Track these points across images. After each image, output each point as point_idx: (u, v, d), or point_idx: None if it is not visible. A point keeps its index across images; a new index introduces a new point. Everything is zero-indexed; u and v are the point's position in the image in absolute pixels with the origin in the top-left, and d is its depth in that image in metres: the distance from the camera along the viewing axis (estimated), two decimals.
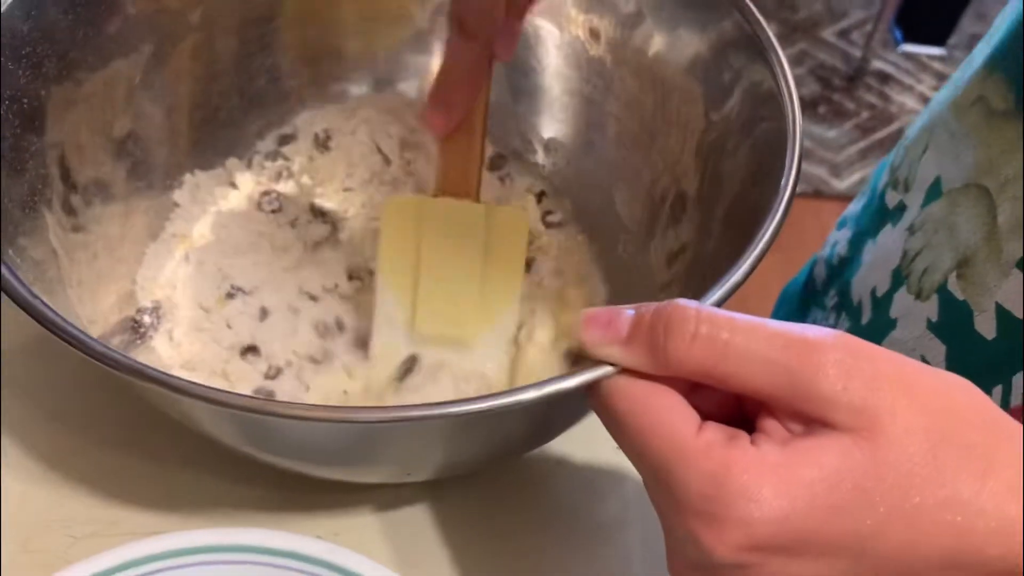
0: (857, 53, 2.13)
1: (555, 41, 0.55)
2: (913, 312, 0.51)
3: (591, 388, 0.33)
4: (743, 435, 0.30)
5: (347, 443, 0.39)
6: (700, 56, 0.49)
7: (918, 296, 0.50)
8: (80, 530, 0.45)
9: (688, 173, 0.50)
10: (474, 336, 0.46)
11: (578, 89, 0.55)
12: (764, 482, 0.28)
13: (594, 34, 0.54)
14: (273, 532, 0.40)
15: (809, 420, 0.29)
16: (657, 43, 0.51)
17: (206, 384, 0.33)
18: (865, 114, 2.03)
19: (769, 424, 0.30)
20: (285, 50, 0.55)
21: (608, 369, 0.32)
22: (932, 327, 0.49)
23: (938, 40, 2.18)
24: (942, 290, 0.49)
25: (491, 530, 0.47)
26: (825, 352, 0.29)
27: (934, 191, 0.51)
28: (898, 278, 0.52)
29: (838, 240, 0.63)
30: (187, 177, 0.54)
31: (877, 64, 2.14)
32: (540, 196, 0.57)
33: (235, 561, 0.40)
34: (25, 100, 0.44)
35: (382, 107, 0.57)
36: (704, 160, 0.49)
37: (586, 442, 0.49)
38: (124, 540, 0.40)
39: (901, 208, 0.54)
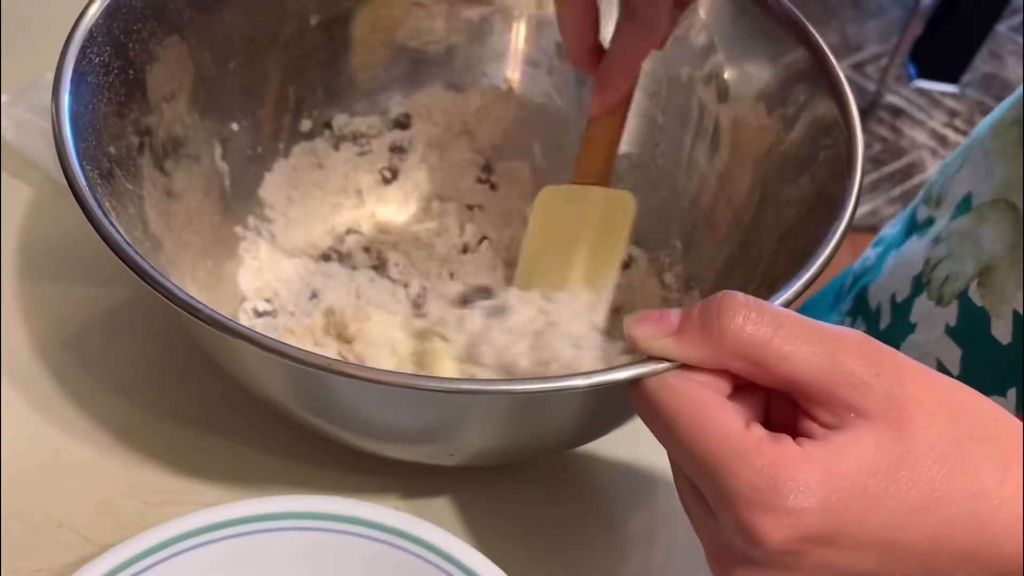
0: (871, 87, 2.16)
1: None
2: (932, 317, 0.53)
3: (635, 385, 0.35)
4: (785, 435, 0.32)
5: (404, 409, 0.40)
6: (768, 87, 0.51)
7: (938, 302, 0.53)
8: (154, 498, 0.47)
9: (747, 199, 0.52)
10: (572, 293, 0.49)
11: (647, 113, 0.57)
12: (812, 475, 0.30)
13: (665, 63, 0.56)
14: (350, 500, 0.42)
15: (844, 409, 0.32)
16: (726, 74, 0.54)
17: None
18: (877, 147, 2.06)
19: (806, 425, 0.33)
20: (369, 50, 0.57)
21: (658, 365, 0.34)
22: (950, 331, 0.52)
23: (952, 77, 2.21)
24: (962, 297, 0.51)
25: (528, 523, 0.49)
26: (855, 343, 0.32)
27: (964, 206, 0.54)
28: (919, 285, 0.55)
29: (869, 255, 0.65)
30: (277, 161, 0.57)
31: (890, 98, 2.17)
32: None
33: (310, 528, 0.42)
34: (131, 71, 0.46)
35: (449, 108, 0.60)
36: (763, 187, 0.51)
37: (630, 442, 0.51)
38: (196, 509, 0.42)
39: (929, 222, 0.57)
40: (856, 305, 0.63)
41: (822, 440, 0.31)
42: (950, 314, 0.52)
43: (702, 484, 0.33)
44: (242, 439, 0.49)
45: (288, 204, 0.57)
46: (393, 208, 0.60)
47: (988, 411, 0.33)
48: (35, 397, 0.49)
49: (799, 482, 0.30)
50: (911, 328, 0.55)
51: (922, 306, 0.54)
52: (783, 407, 0.34)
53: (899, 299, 0.57)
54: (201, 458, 0.48)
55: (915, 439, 0.31)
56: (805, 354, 0.32)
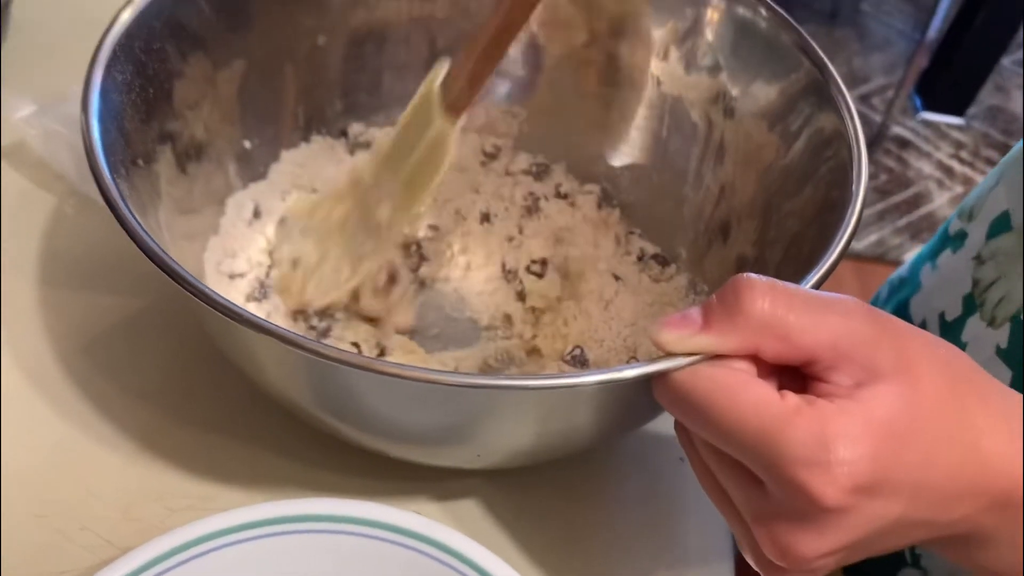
0: (877, 118, 2.18)
1: (633, 83, 0.59)
2: (983, 338, 0.54)
3: (660, 380, 0.36)
4: (813, 396, 0.34)
5: (426, 405, 0.41)
6: (772, 104, 0.53)
7: (991, 323, 0.54)
8: (176, 502, 0.47)
9: (750, 211, 0.54)
10: None
11: (650, 126, 0.59)
12: (854, 426, 0.32)
13: (669, 80, 0.58)
14: (371, 503, 0.42)
15: (860, 370, 0.34)
16: (732, 91, 0.55)
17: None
18: (883, 177, 2.08)
19: (823, 387, 0.34)
20: (384, 68, 0.59)
21: (688, 358, 0.35)
22: (1000, 353, 0.52)
23: (957, 110, 2.24)
24: (1015, 319, 0.52)
25: (557, 525, 0.49)
26: (859, 308, 0.35)
27: (1002, 223, 0.54)
28: (970, 305, 0.55)
29: (904, 267, 0.66)
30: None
31: (896, 129, 2.19)
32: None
33: (331, 531, 0.42)
34: (151, 89, 0.48)
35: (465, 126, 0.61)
36: (767, 197, 0.53)
37: (657, 441, 0.52)
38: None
39: (962, 236, 0.57)
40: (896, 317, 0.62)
41: (848, 397, 0.33)
42: (1001, 336, 0.53)
43: (749, 458, 0.34)
44: (265, 445, 0.50)
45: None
46: None
47: (964, 359, 0.36)
48: (58, 402, 0.50)
49: (846, 434, 0.32)
50: (962, 347, 0.54)
51: (974, 326, 0.55)
52: (791, 384, 0.35)
53: (949, 318, 0.57)
54: (223, 463, 0.49)
55: (923, 387, 0.34)
56: (821, 323, 0.34)
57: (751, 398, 0.34)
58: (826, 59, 0.50)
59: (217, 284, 0.53)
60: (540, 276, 0.60)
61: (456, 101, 0.50)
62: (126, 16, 0.46)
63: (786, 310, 0.34)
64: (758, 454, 0.33)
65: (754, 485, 0.35)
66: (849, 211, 0.44)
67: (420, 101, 0.51)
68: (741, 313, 0.34)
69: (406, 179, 0.52)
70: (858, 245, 1.91)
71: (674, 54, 0.57)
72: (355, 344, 0.54)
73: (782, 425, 0.33)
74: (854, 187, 0.45)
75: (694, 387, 0.35)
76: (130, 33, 0.46)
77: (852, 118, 0.48)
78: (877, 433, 0.33)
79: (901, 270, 0.66)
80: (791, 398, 0.33)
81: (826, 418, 0.32)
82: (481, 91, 0.50)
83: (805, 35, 0.52)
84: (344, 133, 0.60)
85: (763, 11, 0.53)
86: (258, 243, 0.56)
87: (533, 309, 0.59)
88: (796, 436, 0.32)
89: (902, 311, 0.62)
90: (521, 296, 0.59)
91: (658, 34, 0.57)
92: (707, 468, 0.38)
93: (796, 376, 0.35)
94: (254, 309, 0.54)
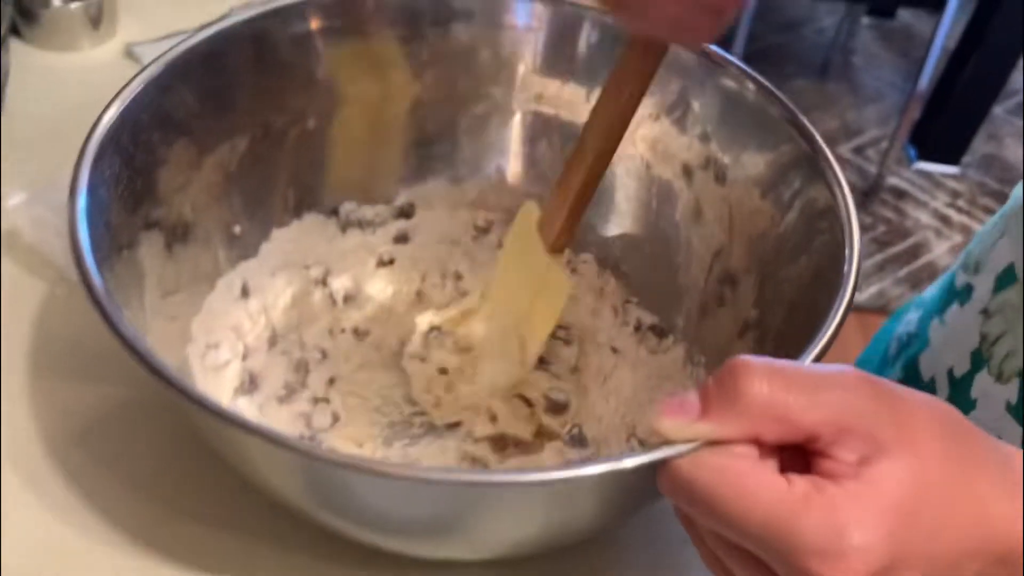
0: (873, 169, 2.19)
1: (620, 154, 0.58)
2: (992, 394, 0.53)
3: (663, 470, 0.35)
4: (819, 479, 0.33)
5: (428, 507, 0.40)
6: (762, 175, 0.53)
7: (999, 378, 0.53)
8: None
9: (745, 283, 0.54)
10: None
11: (640, 196, 0.59)
12: (866, 511, 0.32)
13: (657, 150, 0.58)
14: None
15: (863, 444, 0.33)
16: (723, 159, 0.55)
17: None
18: (881, 228, 2.08)
19: (827, 464, 0.33)
20: (381, 147, 0.60)
21: (687, 445, 0.34)
22: (1010, 409, 0.52)
23: (952, 159, 2.25)
24: (1022, 375, 0.52)
25: None
26: (857, 381, 0.34)
27: (1008, 277, 0.54)
28: (978, 360, 0.55)
29: (911, 320, 0.66)
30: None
31: (892, 180, 2.20)
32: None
33: None
34: (139, 180, 0.48)
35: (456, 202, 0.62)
36: (761, 266, 0.53)
37: (659, 521, 0.51)
38: None
39: (968, 289, 0.57)
40: (906, 376, 0.62)
41: (857, 477, 0.33)
42: (1010, 391, 0.52)
43: (760, 548, 0.33)
44: (259, 536, 0.49)
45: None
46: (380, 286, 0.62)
47: (959, 420, 0.36)
48: (48, 495, 0.49)
49: (859, 520, 0.32)
50: (972, 404, 0.55)
51: (983, 382, 0.54)
52: (793, 461, 0.35)
53: (957, 374, 0.57)
54: (217, 555, 0.48)
55: (926, 458, 0.34)
56: (821, 401, 0.33)
57: (756, 486, 0.33)
58: (815, 132, 0.50)
59: (203, 376, 0.52)
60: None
61: (557, 243, 0.53)
62: (112, 112, 0.46)
63: (785, 392, 0.33)
64: (769, 546, 0.33)
65: (767, 574, 0.34)
66: (843, 288, 0.44)
67: (519, 246, 0.55)
68: (740, 399, 0.33)
69: (526, 316, 0.55)
70: (860, 297, 1.91)
71: (662, 125, 0.57)
72: None
73: (793, 515, 0.32)
74: (846, 268, 0.45)
75: (697, 476, 0.34)
76: (117, 127, 0.46)
77: (843, 192, 0.48)
78: (888, 515, 0.32)
79: (909, 326, 0.65)
80: (798, 484, 0.33)
81: (837, 505, 0.32)
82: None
83: (793, 108, 0.52)
84: (335, 212, 0.60)
85: (750, 84, 0.53)
86: (243, 325, 0.56)
87: None
88: (808, 526, 0.32)
89: (911, 368, 0.61)
90: None
91: (645, 106, 0.57)
92: (715, 555, 0.37)
93: (798, 452, 0.34)
94: (245, 402, 0.53)
